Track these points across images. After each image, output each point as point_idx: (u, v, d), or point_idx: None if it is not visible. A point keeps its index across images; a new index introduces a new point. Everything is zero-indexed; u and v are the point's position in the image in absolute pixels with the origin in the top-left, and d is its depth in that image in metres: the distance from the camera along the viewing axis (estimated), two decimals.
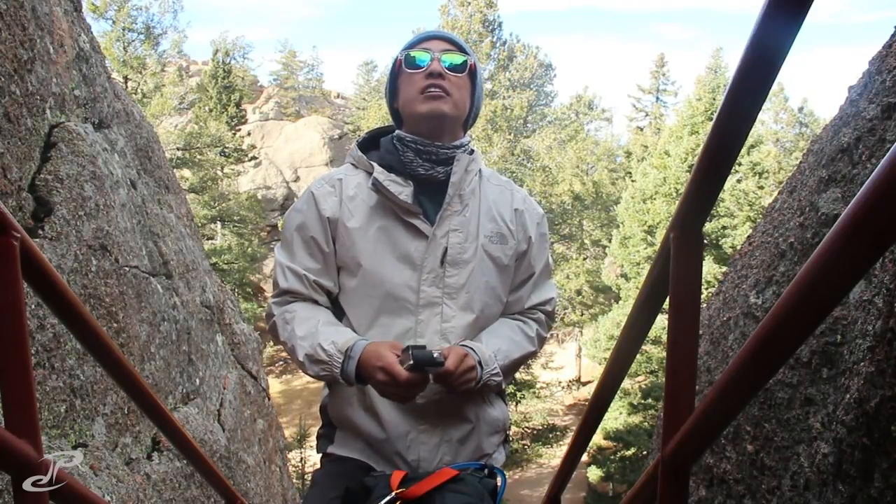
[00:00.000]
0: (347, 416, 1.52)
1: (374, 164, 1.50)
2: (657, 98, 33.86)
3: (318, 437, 1.70)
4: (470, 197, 1.53)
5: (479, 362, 1.42)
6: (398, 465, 1.48)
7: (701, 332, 1.98)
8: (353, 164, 1.58)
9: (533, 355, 1.63)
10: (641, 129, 33.55)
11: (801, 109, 31.87)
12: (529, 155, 22.91)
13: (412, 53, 1.49)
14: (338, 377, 1.39)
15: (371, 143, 1.60)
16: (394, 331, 1.49)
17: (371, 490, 1.34)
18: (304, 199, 1.54)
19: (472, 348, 1.44)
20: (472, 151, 1.57)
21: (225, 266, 22.47)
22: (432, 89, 1.46)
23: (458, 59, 1.49)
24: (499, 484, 1.44)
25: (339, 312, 1.56)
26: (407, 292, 1.48)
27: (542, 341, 1.65)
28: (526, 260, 1.60)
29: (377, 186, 1.47)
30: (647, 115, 34.20)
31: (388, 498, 1.31)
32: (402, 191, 1.46)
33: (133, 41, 21.66)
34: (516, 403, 21.16)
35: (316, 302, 1.53)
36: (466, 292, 1.50)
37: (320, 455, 1.67)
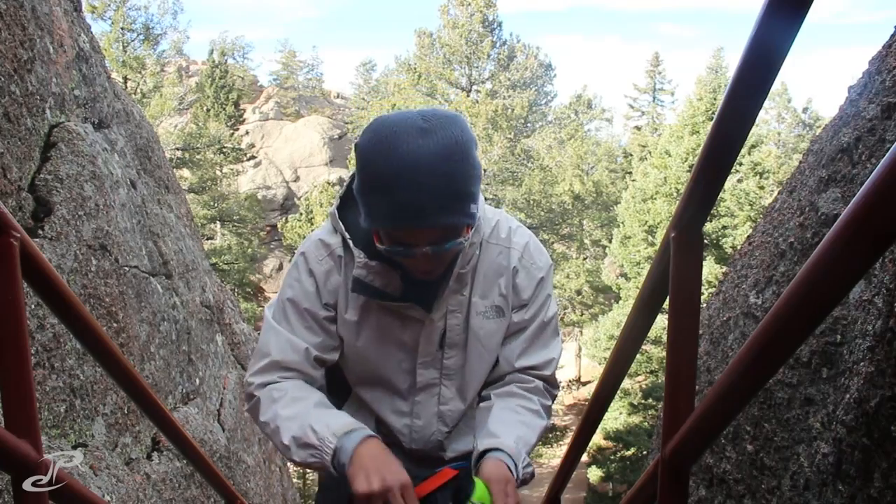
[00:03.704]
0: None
1: (357, 254, 1.27)
2: (654, 97, 33.83)
3: None
4: (469, 272, 1.34)
5: (514, 466, 1.26)
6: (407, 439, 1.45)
7: (701, 332, 1.98)
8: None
9: (546, 430, 1.44)
10: (639, 129, 33.54)
11: (805, 110, 31.82)
12: (530, 154, 22.90)
13: (390, 248, 1.18)
14: (328, 465, 1.19)
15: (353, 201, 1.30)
16: (389, 408, 1.41)
17: None
18: (304, 273, 1.33)
19: (500, 450, 1.27)
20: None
21: (225, 266, 22.46)
22: (424, 269, 1.23)
23: (451, 240, 1.17)
24: None
25: (331, 376, 1.43)
26: (403, 374, 1.39)
27: (548, 411, 1.44)
28: (518, 315, 1.41)
29: (359, 288, 1.28)
30: (643, 114, 34.19)
31: None
32: (389, 282, 1.28)
33: (132, 41, 21.64)
34: None
35: (309, 379, 1.34)
36: (464, 375, 1.40)
37: None
